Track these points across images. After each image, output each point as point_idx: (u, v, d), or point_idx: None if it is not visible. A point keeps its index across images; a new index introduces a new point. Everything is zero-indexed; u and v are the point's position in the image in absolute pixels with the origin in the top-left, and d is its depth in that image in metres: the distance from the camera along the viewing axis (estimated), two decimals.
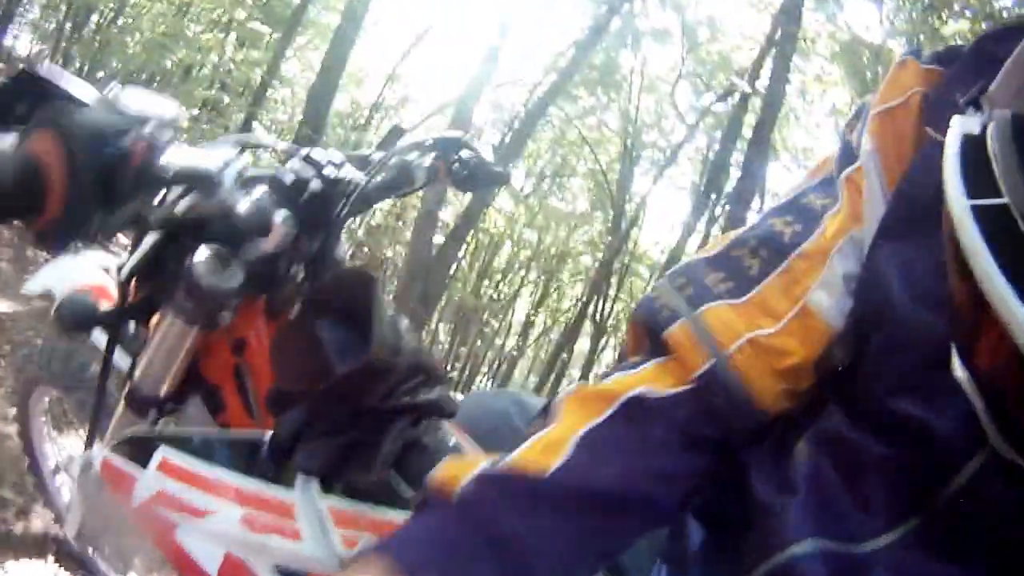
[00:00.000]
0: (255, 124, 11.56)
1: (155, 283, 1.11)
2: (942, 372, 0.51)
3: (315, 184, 1.06)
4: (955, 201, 0.49)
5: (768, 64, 10.00)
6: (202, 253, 1.02)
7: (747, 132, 10.25)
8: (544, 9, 13.41)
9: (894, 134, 0.68)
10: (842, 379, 0.66)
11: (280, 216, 1.04)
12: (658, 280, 0.76)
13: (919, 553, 0.59)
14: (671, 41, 12.59)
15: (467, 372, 17.75)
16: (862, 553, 0.61)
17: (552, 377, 14.44)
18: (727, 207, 10.60)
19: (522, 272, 18.95)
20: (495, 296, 18.80)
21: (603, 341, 15.68)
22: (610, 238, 13.70)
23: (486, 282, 18.42)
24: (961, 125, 0.53)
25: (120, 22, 12.08)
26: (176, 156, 0.92)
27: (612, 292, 15.27)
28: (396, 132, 1.26)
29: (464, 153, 1.23)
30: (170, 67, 12.00)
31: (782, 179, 14.30)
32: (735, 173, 10.44)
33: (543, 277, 18.36)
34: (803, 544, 0.63)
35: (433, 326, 16.50)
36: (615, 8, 11.08)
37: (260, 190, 1.05)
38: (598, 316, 14.94)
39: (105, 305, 1.15)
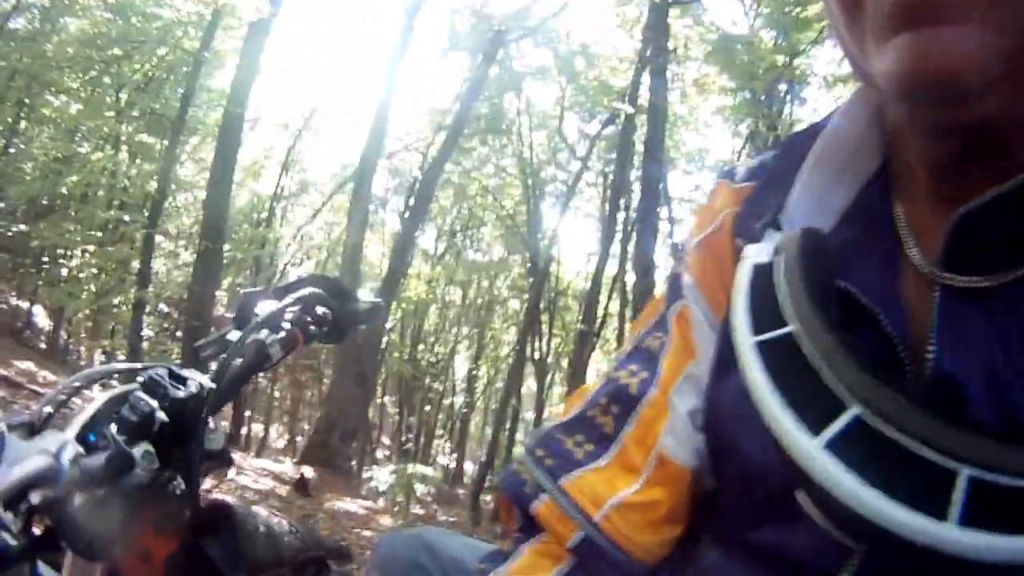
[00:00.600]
0: (157, 239, 11.39)
1: (50, 520, 1.17)
2: (793, 497, 0.51)
3: (162, 413, 1.12)
4: (739, 338, 0.50)
5: (646, 80, 10.49)
6: (77, 499, 1.09)
7: (642, 147, 10.66)
8: (422, 70, 13.75)
9: (713, 262, 0.65)
10: (709, 513, 0.66)
11: (139, 452, 1.10)
12: (521, 450, 0.76)
13: None
14: (550, 77, 13.12)
15: (422, 439, 17.52)
16: None
17: (507, 427, 14.39)
18: (636, 224, 10.97)
19: (454, 330, 18.99)
20: (433, 359, 18.78)
21: (548, 378, 15.80)
22: (531, 278, 13.92)
23: (421, 347, 18.38)
24: (753, 254, 0.54)
25: (12, 150, 11.88)
26: (7, 475, 1.02)
27: (545, 329, 15.48)
28: (249, 302, 1.18)
29: (319, 310, 1.17)
30: (66, 192, 11.77)
31: (684, 183, 14.93)
32: (639, 189, 10.83)
33: (475, 330, 18.39)
34: None
35: (379, 402, 16.30)
36: (491, 56, 11.50)
37: (111, 432, 1.11)
38: (537, 355, 15.08)
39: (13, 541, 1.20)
